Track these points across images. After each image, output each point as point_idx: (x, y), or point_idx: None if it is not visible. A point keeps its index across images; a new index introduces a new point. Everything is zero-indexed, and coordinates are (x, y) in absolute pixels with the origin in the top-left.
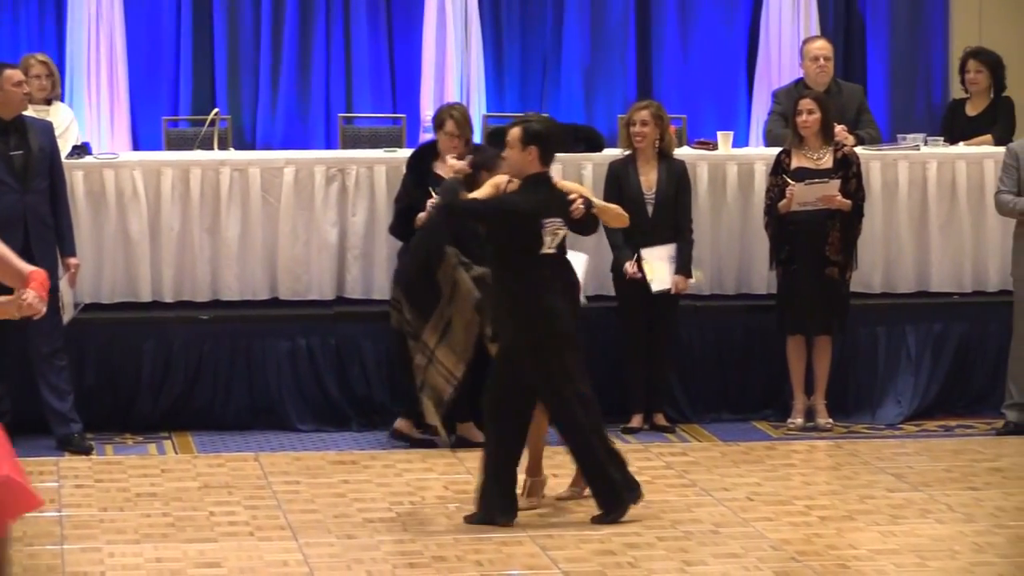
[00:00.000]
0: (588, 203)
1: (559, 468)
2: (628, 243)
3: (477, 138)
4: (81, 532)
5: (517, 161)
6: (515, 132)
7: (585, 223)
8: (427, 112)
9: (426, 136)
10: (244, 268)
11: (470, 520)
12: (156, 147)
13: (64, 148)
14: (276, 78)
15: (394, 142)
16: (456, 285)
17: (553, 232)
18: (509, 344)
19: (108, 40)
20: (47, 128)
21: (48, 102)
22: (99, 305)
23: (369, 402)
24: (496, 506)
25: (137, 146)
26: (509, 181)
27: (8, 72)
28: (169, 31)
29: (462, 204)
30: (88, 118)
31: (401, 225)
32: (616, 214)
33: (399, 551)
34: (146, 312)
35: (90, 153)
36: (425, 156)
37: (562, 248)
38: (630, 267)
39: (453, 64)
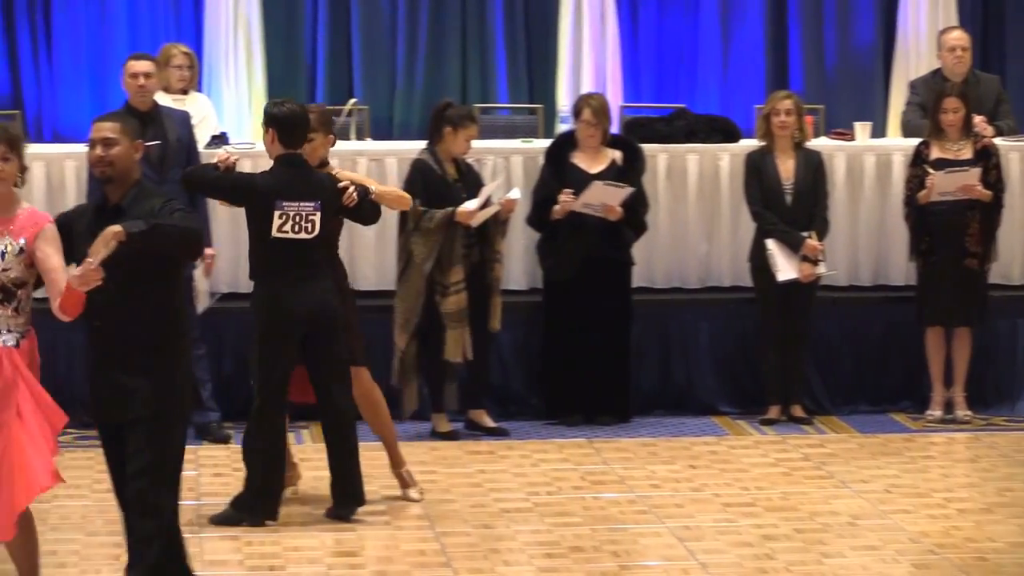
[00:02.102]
0: (364, 191)
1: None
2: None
3: (615, 128)
4: None
5: (264, 143)
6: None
7: (363, 212)
8: (563, 102)
9: (563, 126)
10: (383, 259)
11: (213, 519)
12: None
13: (202, 138)
14: (412, 68)
15: (530, 132)
16: (411, 256)
17: (295, 216)
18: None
19: (245, 29)
20: (184, 118)
21: (185, 92)
22: (236, 295)
23: (505, 391)
24: (246, 506)
25: None
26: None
27: (128, 63)
28: (306, 21)
29: (200, 174)
30: (226, 108)
31: (538, 216)
32: (396, 196)
33: (536, 541)
34: None
35: (227, 143)
36: (563, 146)
37: (325, 237)
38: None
39: (589, 54)
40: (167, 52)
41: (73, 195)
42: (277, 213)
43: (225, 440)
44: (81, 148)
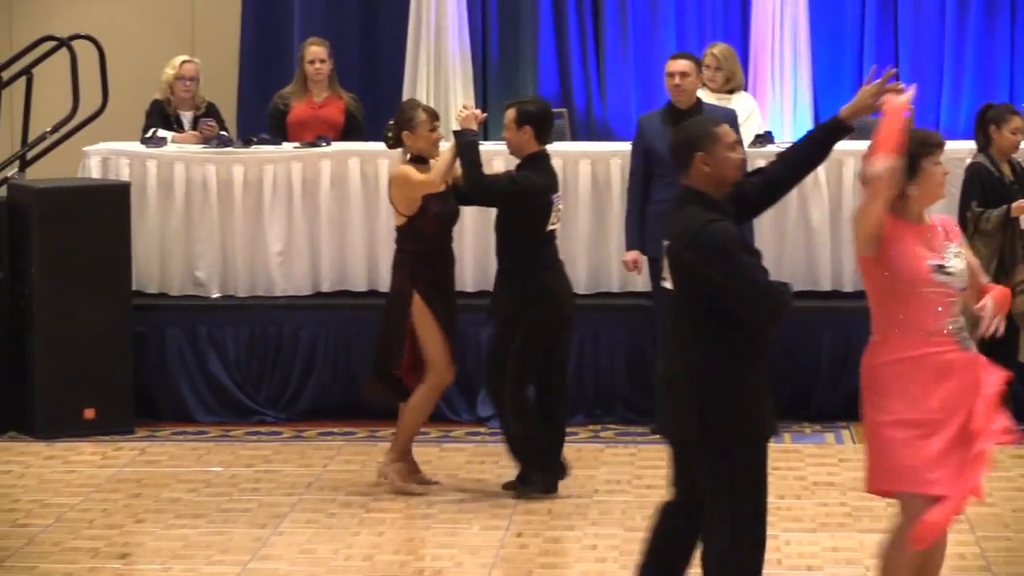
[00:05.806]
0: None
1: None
2: None
3: None
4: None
5: (513, 140)
6: (510, 113)
7: None
8: None
9: None
10: None
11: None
12: None
13: (746, 138)
14: (959, 69)
15: None
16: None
17: (556, 209)
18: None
19: (792, 29)
20: (728, 116)
21: (731, 91)
22: None
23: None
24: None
25: None
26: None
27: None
28: (854, 21)
29: (482, 180)
30: (770, 107)
31: None
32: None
33: None
34: (826, 302)
35: (772, 143)
36: None
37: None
38: None
39: None
40: (709, 50)
41: (618, 192)
42: (553, 208)
43: None
44: (626, 146)
